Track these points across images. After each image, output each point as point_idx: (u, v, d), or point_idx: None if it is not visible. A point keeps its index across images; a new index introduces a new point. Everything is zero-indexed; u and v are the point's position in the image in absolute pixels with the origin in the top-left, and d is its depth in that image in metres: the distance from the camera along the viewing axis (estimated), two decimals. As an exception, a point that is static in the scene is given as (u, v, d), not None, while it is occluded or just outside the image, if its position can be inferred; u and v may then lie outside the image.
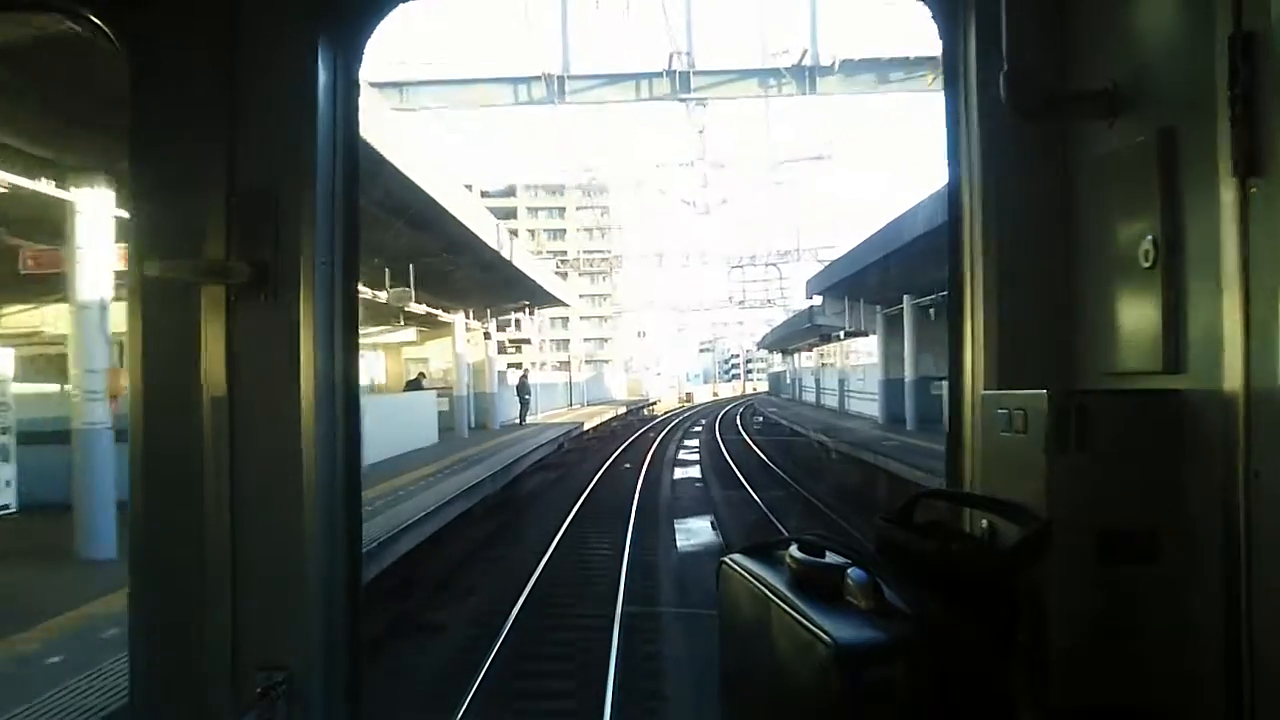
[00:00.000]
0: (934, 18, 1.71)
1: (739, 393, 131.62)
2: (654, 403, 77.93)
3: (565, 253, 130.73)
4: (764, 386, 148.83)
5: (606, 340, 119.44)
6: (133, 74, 1.56)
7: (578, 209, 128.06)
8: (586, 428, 38.90)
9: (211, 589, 1.53)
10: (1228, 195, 1.10)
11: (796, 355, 62.18)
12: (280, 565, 1.54)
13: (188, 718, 1.55)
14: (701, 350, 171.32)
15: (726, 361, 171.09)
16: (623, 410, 57.33)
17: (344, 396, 1.63)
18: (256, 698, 1.49)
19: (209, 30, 1.55)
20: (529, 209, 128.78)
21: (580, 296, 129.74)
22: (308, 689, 1.53)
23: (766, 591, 1.16)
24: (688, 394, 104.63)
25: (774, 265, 77.09)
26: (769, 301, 77.92)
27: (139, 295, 1.56)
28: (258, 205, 1.54)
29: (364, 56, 1.68)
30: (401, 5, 1.67)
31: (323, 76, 1.58)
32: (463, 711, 8.63)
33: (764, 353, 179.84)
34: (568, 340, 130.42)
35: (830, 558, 1.16)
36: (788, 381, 66.63)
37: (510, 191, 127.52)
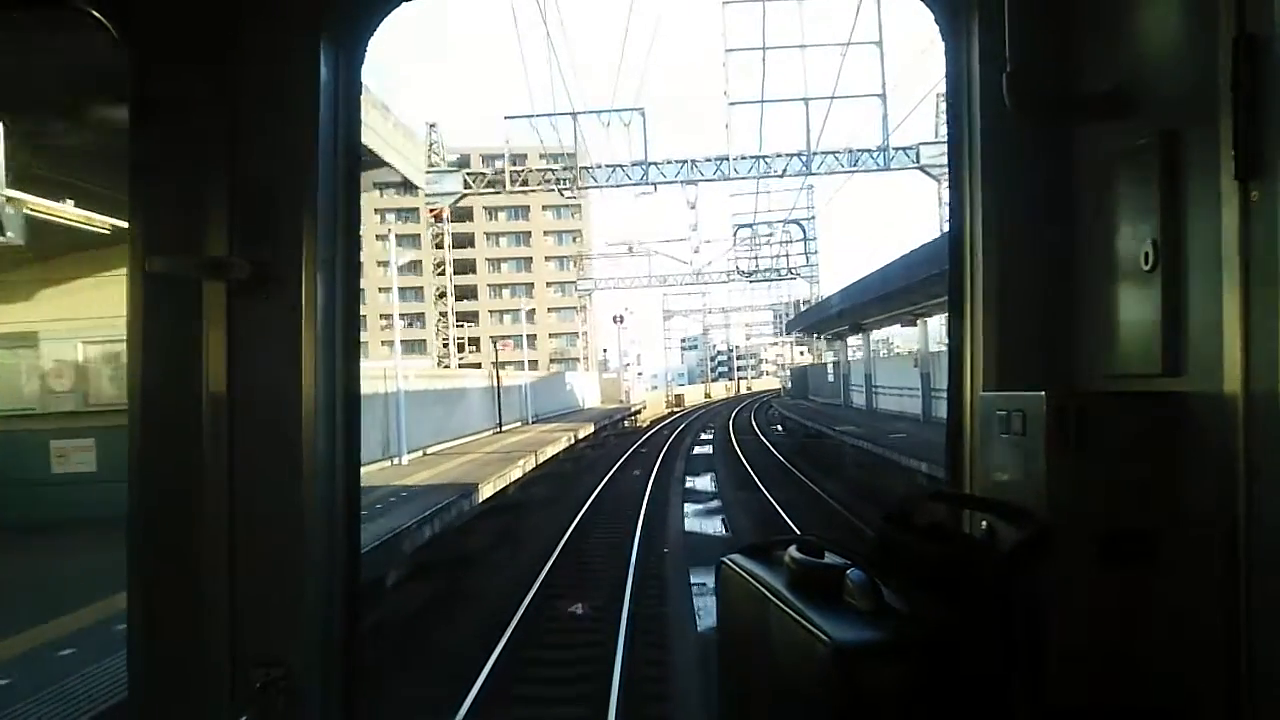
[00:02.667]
0: (937, 19, 1.66)
1: (733, 393, 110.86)
2: (636, 411, 55.69)
3: (529, 233, 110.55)
4: (763, 385, 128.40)
5: (580, 335, 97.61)
6: (134, 70, 1.51)
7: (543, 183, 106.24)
8: (482, 500, 16.22)
9: (210, 585, 1.49)
10: (1229, 198, 1.08)
11: (842, 341, 40.12)
12: (279, 561, 1.51)
13: (187, 713, 1.52)
14: (685, 348, 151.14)
15: (713, 359, 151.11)
16: (589, 429, 34.83)
17: (344, 393, 1.59)
18: (255, 693, 1.46)
19: (211, 27, 1.51)
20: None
21: (548, 285, 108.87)
22: (306, 685, 1.50)
23: (766, 592, 1.14)
24: (677, 396, 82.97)
25: (796, 224, 55.21)
26: (788, 271, 55.89)
27: (140, 292, 1.50)
28: (259, 202, 1.50)
29: (365, 55, 1.64)
30: (403, 4, 1.66)
31: (324, 74, 1.54)
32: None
33: (761, 348, 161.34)
34: (534, 336, 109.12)
35: (829, 559, 1.14)
36: (829, 379, 44.41)
37: (463, 164, 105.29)
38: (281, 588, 1.50)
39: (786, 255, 55.43)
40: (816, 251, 55.32)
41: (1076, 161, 1.49)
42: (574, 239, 79.19)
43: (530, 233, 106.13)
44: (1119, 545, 1.21)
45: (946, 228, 2.04)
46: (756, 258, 55.60)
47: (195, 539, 1.49)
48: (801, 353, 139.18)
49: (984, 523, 1.32)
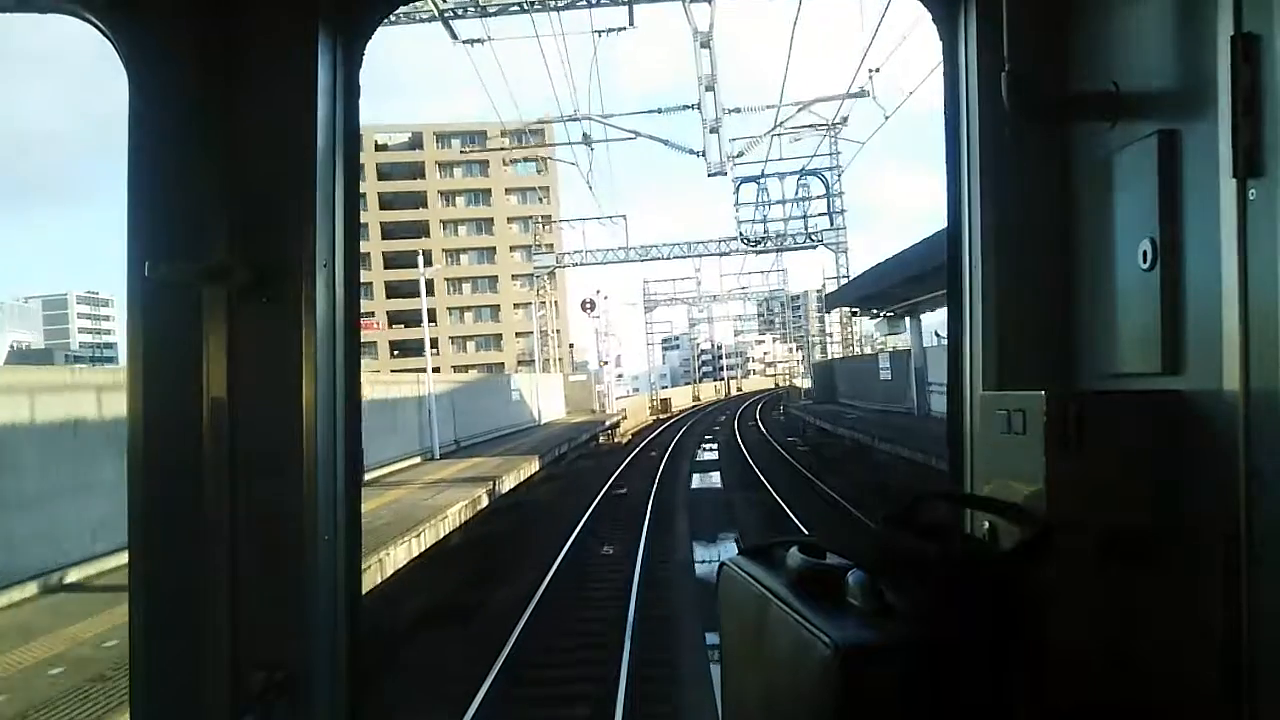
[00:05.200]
0: (935, 19, 1.62)
1: (723, 395, 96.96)
2: (614, 424, 41.37)
3: (491, 220, 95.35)
4: (753, 385, 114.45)
5: (540, 333, 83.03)
6: (132, 74, 1.47)
7: (506, 163, 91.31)
8: None
9: (211, 589, 1.46)
10: (1227, 197, 1.07)
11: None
12: (280, 565, 1.47)
13: (188, 717, 1.47)
14: (667, 348, 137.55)
15: (695, 358, 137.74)
16: (529, 466, 20.34)
17: (345, 398, 1.56)
18: (256, 697, 1.43)
19: (208, 31, 1.47)
20: (440, 164, 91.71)
21: (514, 278, 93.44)
22: (307, 688, 1.46)
23: (767, 593, 1.12)
24: (662, 400, 68.80)
25: (816, 175, 41.35)
26: (809, 237, 41.81)
27: (139, 298, 1.46)
28: (258, 207, 1.46)
29: (364, 55, 1.59)
30: (402, 4, 1.61)
31: (322, 78, 1.50)
32: None
33: (748, 345, 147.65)
34: (499, 335, 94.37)
35: (831, 559, 1.12)
36: (881, 376, 30.12)
37: (416, 142, 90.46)
38: (283, 590, 1.46)
39: (805, 216, 41.32)
40: (844, 211, 41.31)
41: (1075, 161, 1.45)
42: (543, 226, 64.83)
43: (492, 219, 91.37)
44: (1119, 544, 1.18)
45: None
46: (766, 220, 41.44)
47: (197, 542, 1.45)
48: (790, 350, 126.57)
49: (984, 523, 1.29)
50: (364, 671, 1.59)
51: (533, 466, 20.36)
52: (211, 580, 1.45)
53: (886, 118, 27.15)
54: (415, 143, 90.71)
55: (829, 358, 48.67)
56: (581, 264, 43.48)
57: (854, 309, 29.85)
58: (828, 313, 42.17)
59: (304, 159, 1.46)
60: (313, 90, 1.46)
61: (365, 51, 1.58)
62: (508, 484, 17.20)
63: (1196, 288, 1.16)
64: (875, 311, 27.07)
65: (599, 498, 21.14)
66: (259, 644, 1.44)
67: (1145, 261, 1.23)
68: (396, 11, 1.76)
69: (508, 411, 31.53)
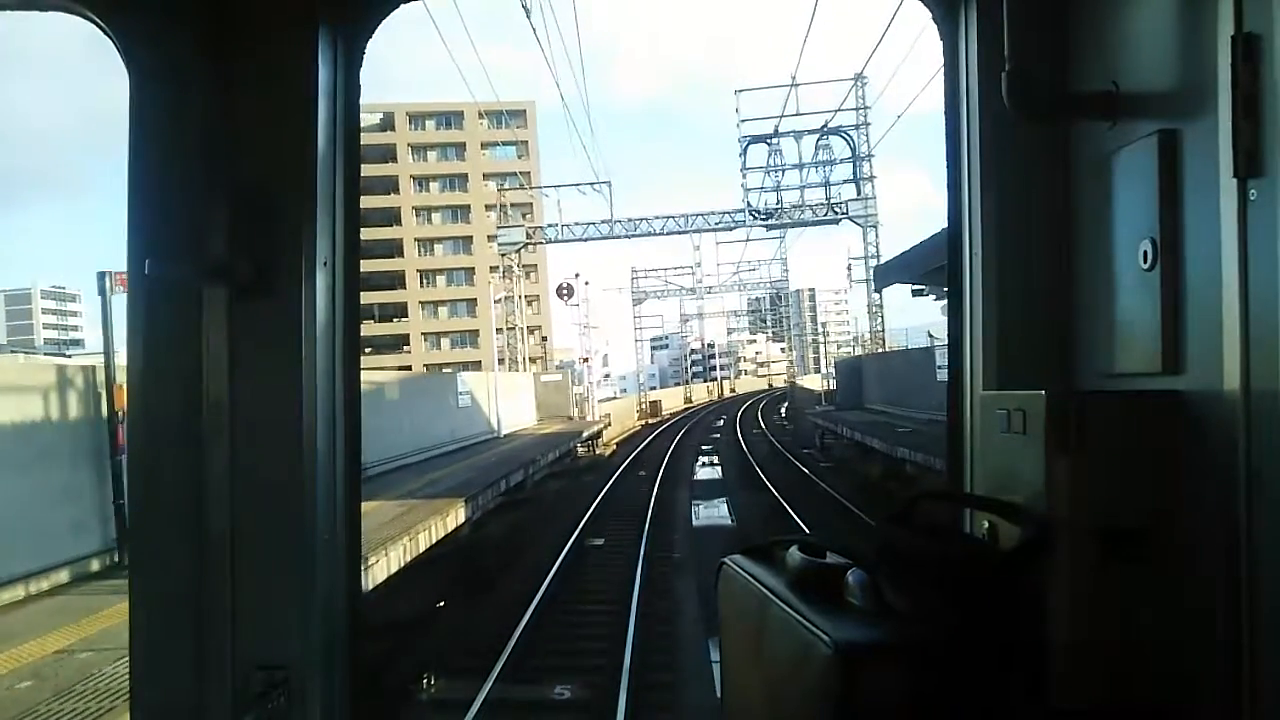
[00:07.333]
0: (935, 18, 1.60)
1: (716, 395, 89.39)
2: (596, 434, 33.53)
3: (468, 207, 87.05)
4: (747, 386, 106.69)
5: (508, 328, 74.73)
6: (132, 73, 1.46)
7: (483, 147, 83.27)
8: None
9: (212, 589, 1.45)
10: (1227, 196, 1.07)
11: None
12: (280, 565, 1.46)
13: (188, 717, 1.45)
14: (656, 347, 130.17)
15: (686, 358, 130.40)
16: (439, 535, 12.39)
17: (345, 396, 1.55)
18: (256, 697, 1.42)
19: (209, 29, 1.46)
20: (412, 146, 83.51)
21: (492, 269, 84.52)
22: (308, 688, 1.45)
23: (767, 592, 1.12)
24: (652, 403, 61.13)
25: (840, 135, 33.90)
26: (832, 209, 34.20)
27: (139, 296, 1.45)
28: (258, 205, 1.45)
29: (364, 55, 1.58)
30: (403, 3, 1.61)
31: (323, 76, 1.49)
32: None
33: (739, 345, 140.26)
34: (476, 331, 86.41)
35: (831, 559, 1.12)
36: (941, 375, 22.66)
37: (388, 123, 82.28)
38: (284, 590, 1.45)
39: (826, 184, 33.64)
40: (874, 178, 33.69)
41: (1075, 160, 1.44)
42: (517, 210, 56.66)
43: (469, 206, 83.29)
44: (1119, 544, 1.17)
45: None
46: (780, 188, 33.72)
47: (197, 542, 1.44)
48: (782, 349, 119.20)
49: (985, 522, 1.29)
50: (364, 670, 1.55)
51: (452, 518, 12.59)
52: (212, 580, 1.42)
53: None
54: (387, 124, 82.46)
55: (855, 354, 41.04)
56: (558, 240, 35.63)
57: (917, 286, 22.24)
58: (878, 291, 34.40)
59: (304, 158, 1.44)
60: (313, 90, 1.45)
61: (365, 51, 1.56)
62: (381, 570, 9.36)
63: (1197, 288, 1.15)
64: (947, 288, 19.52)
65: (557, 566, 13.38)
66: (259, 643, 1.43)
67: (1145, 261, 1.22)
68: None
69: (450, 422, 23.66)
